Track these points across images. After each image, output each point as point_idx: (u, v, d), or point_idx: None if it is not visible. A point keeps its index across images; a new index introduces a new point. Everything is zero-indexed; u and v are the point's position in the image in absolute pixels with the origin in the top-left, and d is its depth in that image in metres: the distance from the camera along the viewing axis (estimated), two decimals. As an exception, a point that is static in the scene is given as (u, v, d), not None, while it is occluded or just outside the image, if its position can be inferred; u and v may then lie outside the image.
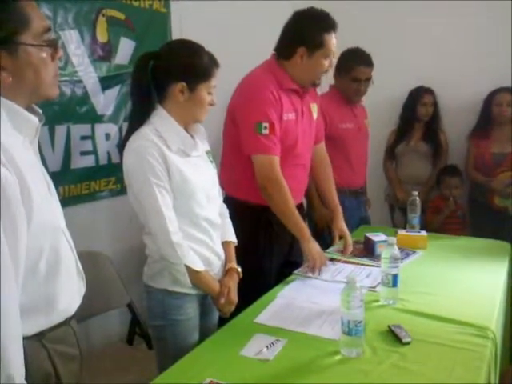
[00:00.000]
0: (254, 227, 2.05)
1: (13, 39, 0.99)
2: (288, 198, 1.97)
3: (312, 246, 2.00)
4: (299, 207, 2.19)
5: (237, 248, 1.80)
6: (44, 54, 1.04)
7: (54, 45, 1.07)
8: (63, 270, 1.11)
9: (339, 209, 2.35)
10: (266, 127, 1.93)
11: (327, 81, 2.76)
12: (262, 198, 2.01)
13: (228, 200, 2.02)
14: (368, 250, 2.22)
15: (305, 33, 1.97)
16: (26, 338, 1.00)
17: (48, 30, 1.06)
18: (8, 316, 0.93)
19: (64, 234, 1.14)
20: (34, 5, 1.04)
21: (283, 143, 2.00)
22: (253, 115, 1.95)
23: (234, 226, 1.81)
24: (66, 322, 1.14)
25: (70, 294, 1.15)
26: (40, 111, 1.12)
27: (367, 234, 2.28)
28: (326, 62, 2.02)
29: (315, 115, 2.26)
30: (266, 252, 2.07)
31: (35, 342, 1.06)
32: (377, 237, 2.21)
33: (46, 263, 1.06)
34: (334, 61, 2.14)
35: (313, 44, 1.96)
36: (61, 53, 1.11)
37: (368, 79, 2.70)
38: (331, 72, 2.70)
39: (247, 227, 1.99)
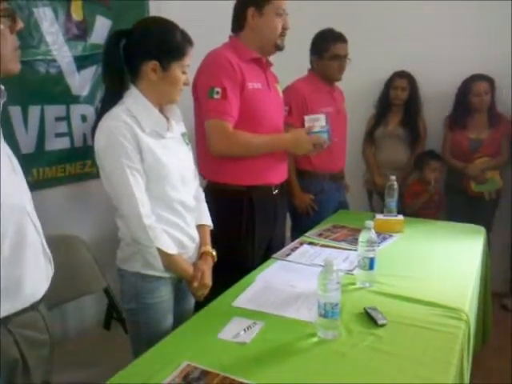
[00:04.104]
0: (237, 211, 2.03)
1: None
2: (249, 140, 2.00)
3: (297, 142, 2.11)
4: (281, 188, 2.20)
5: (218, 232, 1.79)
6: (1, 26, 0.97)
7: (10, 15, 1.00)
8: (28, 253, 1.08)
9: None
10: (218, 92, 1.92)
11: (302, 67, 2.76)
12: (243, 178, 2.00)
13: (208, 187, 2.02)
14: None
15: None
16: None
17: None
18: None
19: (29, 216, 1.10)
20: None
21: (252, 113, 2.00)
22: (206, 81, 1.96)
23: (215, 212, 1.80)
24: (33, 307, 1.11)
25: (36, 277, 1.12)
26: (2, 87, 1.05)
27: (304, 116, 2.34)
28: (280, 20, 2.05)
29: (281, 94, 2.28)
30: (249, 236, 2.06)
31: (1, 327, 1.03)
32: (312, 125, 2.24)
33: (10, 246, 1.02)
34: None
35: (259, 1, 2.01)
36: (20, 24, 1.03)
37: (346, 56, 2.71)
38: (306, 58, 2.71)
39: (229, 211, 1.99)
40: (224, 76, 1.93)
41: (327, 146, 2.18)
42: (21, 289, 1.06)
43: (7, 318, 1.04)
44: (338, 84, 2.83)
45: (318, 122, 2.24)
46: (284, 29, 2.08)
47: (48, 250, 1.19)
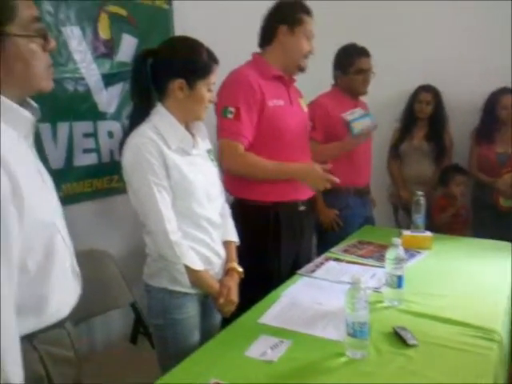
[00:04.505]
0: (263, 227, 2.03)
1: None
2: (258, 165, 1.98)
3: (307, 174, 2.01)
4: (309, 204, 2.19)
5: (245, 249, 1.79)
6: (33, 45, 0.99)
7: (43, 34, 1.01)
8: (56, 270, 1.06)
9: None
10: (231, 112, 1.94)
11: (325, 81, 2.76)
12: (269, 195, 2.00)
13: (235, 203, 2.02)
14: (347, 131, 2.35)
15: (285, 11, 2.08)
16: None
17: (36, 19, 1.00)
18: (5, 317, 0.90)
19: (59, 232, 1.09)
20: None
21: (273, 130, 2.01)
22: (223, 99, 1.97)
23: (241, 228, 1.81)
24: (59, 324, 1.10)
25: (63, 294, 1.11)
26: (36, 105, 1.07)
27: (342, 115, 2.38)
28: (307, 44, 2.09)
29: (305, 109, 2.28)
30: (275, 252, 2.05)
31: (26, 344, 1.01)
32: (350, 115, 2.31)
33: (37, 262, 1.01)
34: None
35: (292, 20, 2.05)
36: (53, 43, 1.05)
37: (370, 69, 2.71)
38: (329, 72, 2.72)
39: (255, 227, 1.99)
40: (241, 96, 1.95)
41: (374, 129, 2.26)
42: (47, 306, 1.05)
43: (32, 335, 1.03)
44: (362, 98, 2.82)
45: (355, 113, 2.32)
46: (309, 52, 2.12)
47: (77, 268, 1.18)
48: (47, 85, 1.05)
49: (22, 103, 1.02)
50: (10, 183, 0.92)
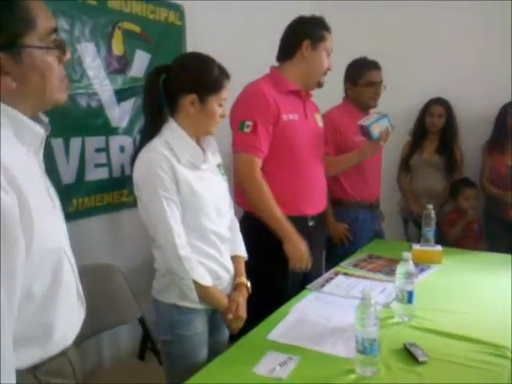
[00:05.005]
0: (271, 242, 2.01)
1: (17, 42, 0.90)
2: (267, 198, 1.97)
3: (292, 247, 1.98)
4: (319, 219, 2.19)
5: (253, 263, 1.79)
6: (50, 57, 0.96)
7: (61, 47, 0.99)
8: (62, 296, 1.01)
9: None
10: (248, 126, 1.96)
11: (336, 94, 2.77)
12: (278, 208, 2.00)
13: (245, 217, 2.03)
14: (367, 137, 2.33)
15: (309, 27, 2.11)
16: (18, 372, 0.90)
17: (54, 30, 0.97)
18: (4, 353, 0.84)
19: (66, 255, 1.04)
20: (41, 3, 0.95)
21: (287, 144, 2.03)
22: (239, 114, 2.00)
23: (250, 243, 1.81)
24: (63, 353, 1.04)
25: (68, 321, 1.05)
26: (46, 120, 1.04)
27: (358, 122, 2.37)
28: (327, 60, 2.13)
29: (320, 124, 2.28)
30: (283, 267, 2.02)
31: (28, 376, 0.96)
32: (366, 120, 2.30)
33: (42, 288, 0.96)
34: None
35: (316, 36, 2.09)
36: (69, 55, 1.02)
37: (380, 82, 2.72)
38: (338, 85, 2.73)
39: (264, 242, 1.98)
40: (256, 110, 1.97)
41: (392, 129, 2.29)
42: (52, 334, 1.00)
43: (36, 366, 0.98)
44: (373, 111, 2.82)
45: (371, 117, 2.34)
46: (328, 69, 2.15)
47: (81, 292, 1.12)
48: (62, 97, 1.02)
49: (33, 117, 0.99)
50: (20, 208, 0.87)
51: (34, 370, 0.98)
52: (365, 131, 2.34)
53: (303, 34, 2.09)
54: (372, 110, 2.75)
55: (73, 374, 1.09)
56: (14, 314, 0.88)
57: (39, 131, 0.99)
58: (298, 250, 1.99)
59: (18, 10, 0.90)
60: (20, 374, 0.92)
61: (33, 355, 0.98)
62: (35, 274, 0.94)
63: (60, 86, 1.00)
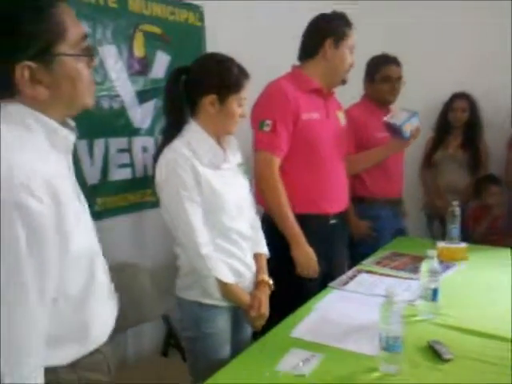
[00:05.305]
0: None
1: (49, 51, 0.92)
2: (281, 200, 1.96)
3: (300, 254, 1.97)
4: (341, 217, 2.18)
5: (275, 261, 1.80)
6: (80, 64, 0.98)
7: (91, 53, 1.01)
8: (96, 294, 1.05)
9: None
10: (268, 125, 1.96)
11: (357, 91, 2.75)
12: (297, 206, 2.00)
13: (265, 216, 2.03)
14: (396, 135, 2.27)
15: (331, 25, 2.09)
16: (59, 368, 0.98)
17: (85, 36, 0.99)
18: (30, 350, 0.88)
19: (98, 254, 1.08)
20: (70, 10, 0.97)
21: (307, 143, 2.02)
22: (259, 112, 2.01)
23: (272, 241, 1.81)
24: (98, 349, 1.08)
25: (103, 318, 1.09)
26: (73, 124, 1.06)
27: (384, 119, 2.30)
28: (351, 57, 2.11)
29: (343, 122, 2.26)
30: None
31: (69, 371, 1.01)
32: (397, 119, 2.23)
33: (78, 288, 1.00)
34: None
35: (338, 34, 2.07)
36: (96, 60, 1.06)
37: (399, 78, 2.69)
38: (360, 82, 2.71)
39: (285, 240, 1.98)
40: (276, 109, 1.97)
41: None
42: (88, 333, 1.04)
43: (76, 362, 1.02)
44: (394, 106, 2.80)
45: (401, 115, 2.27)
46: (351, 65, 2.13)
47: (113, 289, 1.16)
48: (90, 102, 1.04)
49: (62, 123, 1.01)
50: (55, 210, 0.89)
51: (73, 366, 1.02)
52: (395, 129, 2.29)
53: (325, 33, 2.07)
54: (394, 106, 2.73)
55: (108, 369, 1.13)
56: (47, 312, 0.92)
57: (70, 137, 1.01)
58: (306, 256, 1.98)
59: (50, 19, 0.92)
60: (61, 369, 0.99)
61: (72, 352, 1.02)
62: (71, 274, 0.97)
63: (89, 92, 1.03)
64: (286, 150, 2.00)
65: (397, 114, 2.32)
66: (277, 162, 1.98)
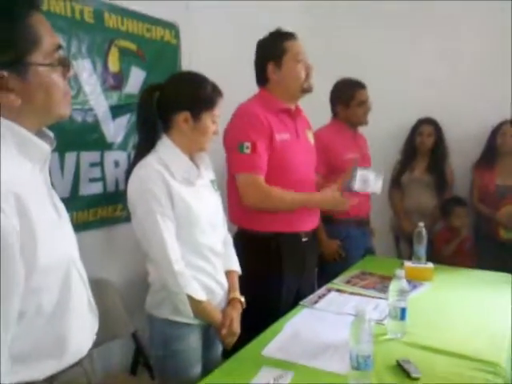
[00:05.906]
0: (264, 258, 2.04)
1: (23, 60, 0.91)
2: (282, 196, 2.02)
3: (329, 196, 2.10)
4: (313, 235, 2.22)
5: (247, 279, 1.80)
6: (55, 74, 0.97)
7: (65, 64, 1.00)
8: (73, 308, 1.02)
9: None
10: (247, 147, 1.97)
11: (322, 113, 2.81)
12: (271, 225, 2.02)
13: (238, 233, 2.04)
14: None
15: (267, 49, 2.11)
16: (37, 383, 0.95)
17: (59, 46, 0.98)
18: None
19: (75, 265, 1.05)
20: (44, 20, 0.96)
21: (280, 163, 2.03)
22: (236, 135, 2.01)
23: (244, 258, 1.82)
24: (78, 363, 1.06)
25: (81, 332, 1.06)
26: (51, 135, 1.05)
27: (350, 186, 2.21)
28: (301, 66, 2.08)
29: (312, 141, 2.30)
30: (276, 283, 2.05)
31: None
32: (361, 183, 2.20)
33: (51, 301, 0.97)
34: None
35: (276, 54, 2.07)
36: (72, 71, 1.03)
37: (368, 100, 2.79)
38: (325, 106, 2.75)
39: (257, 257, 1.99)
40: (252, 131, 1.98)
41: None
42: (66, 347, 1.01)
43: (52, 377, 0.99)
44: (362, 130, 2.88)
45: (368, 181, 2.24)
46: (307, 71, 2.10)
47: (93, 303, 1.14)
48: (66, 112, 1.03)
49: (38, 133, 1.00)
50: (21, 224, 0.87)
51: (51, 380, 0.98)
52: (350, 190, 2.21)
53: (264, 60, 2.10)
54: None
55: (87, 383, 1.09)
56: (10, 332, 0.88)
57: (44, 147, 1.00)
58: (334, 199, 2.11)
59: (24, 28, 0.91)
60: None
61: (49, 367, 0.98)
62: (43, 288, 0.94)
63: (64, 101, 1.02)
64: (265, 169, 2.01)
65: (367, 180, 2.23)
66: (262, 181, 1.99)
